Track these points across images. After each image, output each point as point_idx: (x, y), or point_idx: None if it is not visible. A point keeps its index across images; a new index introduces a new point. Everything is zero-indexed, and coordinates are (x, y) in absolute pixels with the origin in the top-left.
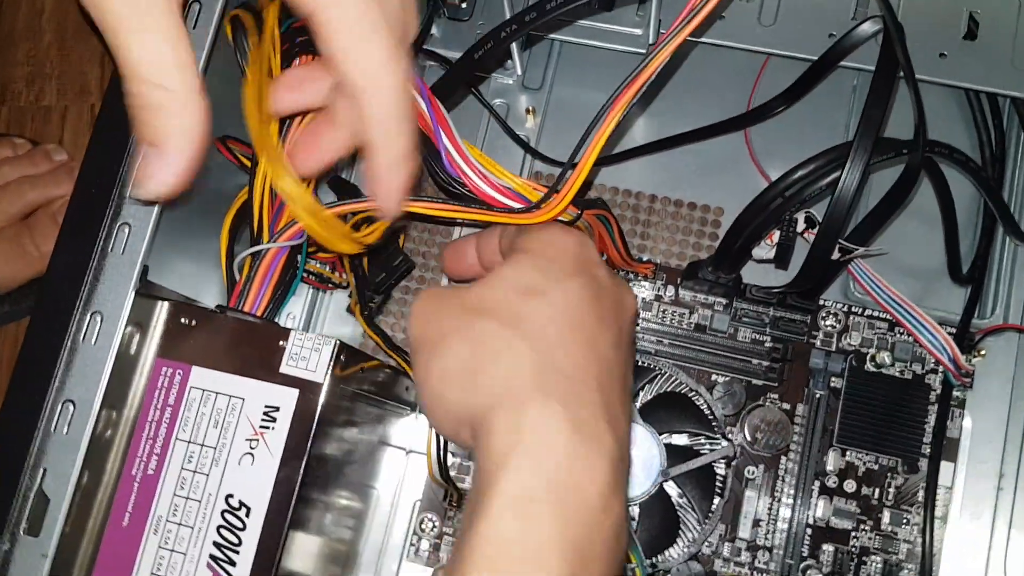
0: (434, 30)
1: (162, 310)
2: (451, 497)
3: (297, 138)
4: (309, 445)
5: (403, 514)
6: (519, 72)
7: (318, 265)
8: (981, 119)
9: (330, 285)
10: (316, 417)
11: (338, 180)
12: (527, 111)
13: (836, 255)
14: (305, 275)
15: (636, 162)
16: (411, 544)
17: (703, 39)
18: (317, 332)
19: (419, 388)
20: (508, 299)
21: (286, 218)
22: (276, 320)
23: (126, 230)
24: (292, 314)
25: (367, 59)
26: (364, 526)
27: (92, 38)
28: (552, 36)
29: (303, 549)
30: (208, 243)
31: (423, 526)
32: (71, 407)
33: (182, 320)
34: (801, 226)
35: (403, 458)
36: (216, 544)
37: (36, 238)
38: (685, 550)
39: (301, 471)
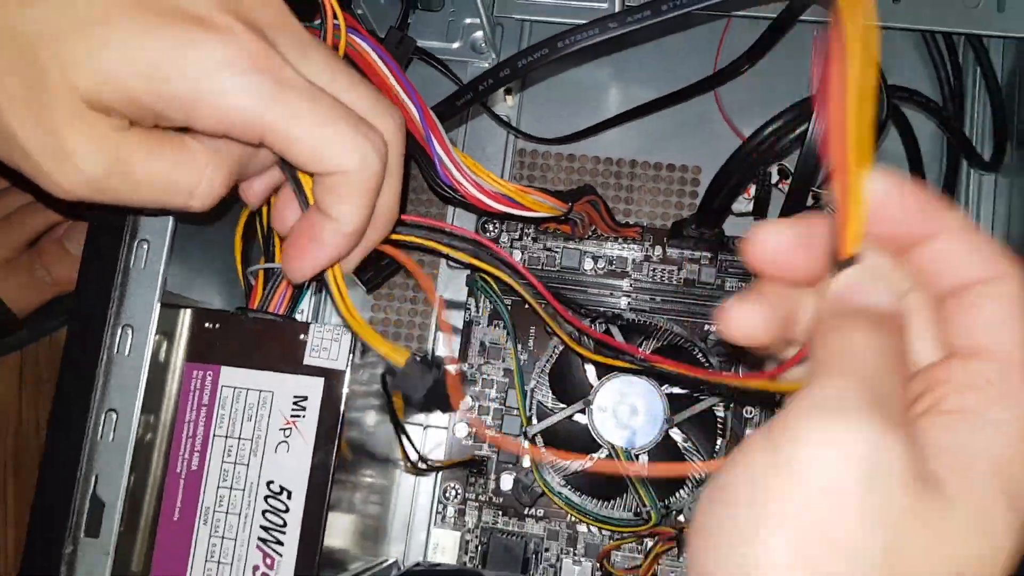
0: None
1: (186, 317)
2: (472, 465)
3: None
4: (339, 428)
5: (426, 486)
6: (494, 56)
7: None
8: (938, 58)
9: None
10: (343, 401)
11: None
12: (505, 92)
13: (810, 202)
14: None
15: (614, 131)
16: (437, 512)
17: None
18: (327, 324)
19: None
20: None
21: None
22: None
23: (145, 246)
24: (301, 309)
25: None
26: (390, 501)
27: None
28: (521, 16)
29: (338, 526)
30: (205, 252)
31: (447, 494)
32: (114, 416)
33: (206, 325)
34: (775, 178)
35: (421, 433)
36: (263, 527)
37: (46, 264)
38: (694, 490)
39: (335, 453)
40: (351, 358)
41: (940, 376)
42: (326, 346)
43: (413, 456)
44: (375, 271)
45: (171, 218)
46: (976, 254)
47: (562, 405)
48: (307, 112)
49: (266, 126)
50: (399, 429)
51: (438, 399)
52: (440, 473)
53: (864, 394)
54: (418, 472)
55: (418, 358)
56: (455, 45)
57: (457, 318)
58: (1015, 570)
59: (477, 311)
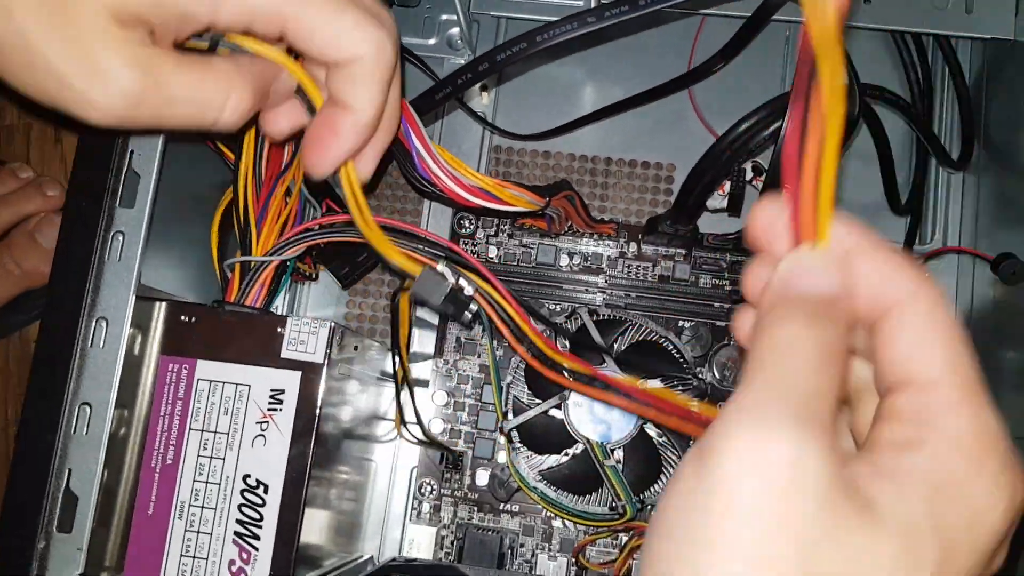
0: None
1: (161, 310)
2: (447, 460)
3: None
4: (317, 421)
5: (401, 483)
6: (470, 53)
7: (299, 263)
8: (908, 58)
9: (304, 277)
10: (320, 395)
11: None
12: (481, 88)
13: None
14: None
15: (589, 128)
16: (412, 508)
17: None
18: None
19: None
20: None
21: (272, 223)
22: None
23: (120, 238)
24: (276, 305)
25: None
26: (365, 497)
27: None
28: (497, 13)
29: (313, 523)
30: (180, 246)
31: (423, 490)
32: (88, 409)
33: (182, 318)
34: (749, 175)
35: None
36: (239, 522)
37: (16, 256)
38: None
39: (312, 446)
40: (328, 351)
41: (881, 411)
42: (303, 339)
43: (410, 416)
44: (351, 267)
45: (147, 211)
46: (887, 273)
47: (538, 400)
48: (323, 1)
49: (286, 16)
50: (399, 365)
51: (455, 306)
52: (415, 470)
53: (786, 401)
54: (410, 435)
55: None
56: (431, 41)
57: (433, 314)
58: None
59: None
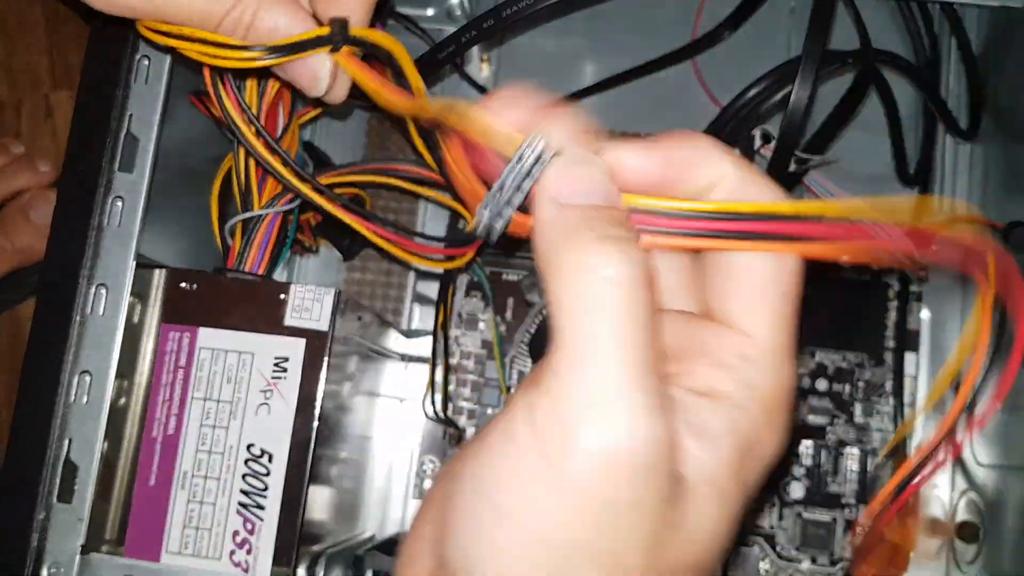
0: None
1: (161, 277)
2: (450, 436)
3: None
4: (321, 390)
5: (402, 461)
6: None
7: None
8: (914, 27)
9: (304, 249)
10: (325, 363)
11: (309, 146)
12: (481, 59)
13: (793, 167)
14: None
15: (591, 101)
16: (415, 486)
17: None
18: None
19: None
20: None
21: (273, 184)
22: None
23: (119, 203)
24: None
25: None
26: (365, 477)
27: (38, 28)
28: None
29: (315, 499)
30: (178, 214)
31: (424, 468)
32: (88, 377)
33: (183, 285)
34: (758, 143)
35: (398, 406)
36: (243, 491)
37: (8, 233)
38: None
39: (316, 414)
40: (333, 319)
41: (694, 341)
42: (308, 306)
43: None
44: (352, 238)
45: (146, 176)
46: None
47: None
48: None
49: None
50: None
51: None
52: (417, 448)
53: (632, 375)
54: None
55: None
56: (429, 12)
57: (432, 288)
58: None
59: (454, 281)
